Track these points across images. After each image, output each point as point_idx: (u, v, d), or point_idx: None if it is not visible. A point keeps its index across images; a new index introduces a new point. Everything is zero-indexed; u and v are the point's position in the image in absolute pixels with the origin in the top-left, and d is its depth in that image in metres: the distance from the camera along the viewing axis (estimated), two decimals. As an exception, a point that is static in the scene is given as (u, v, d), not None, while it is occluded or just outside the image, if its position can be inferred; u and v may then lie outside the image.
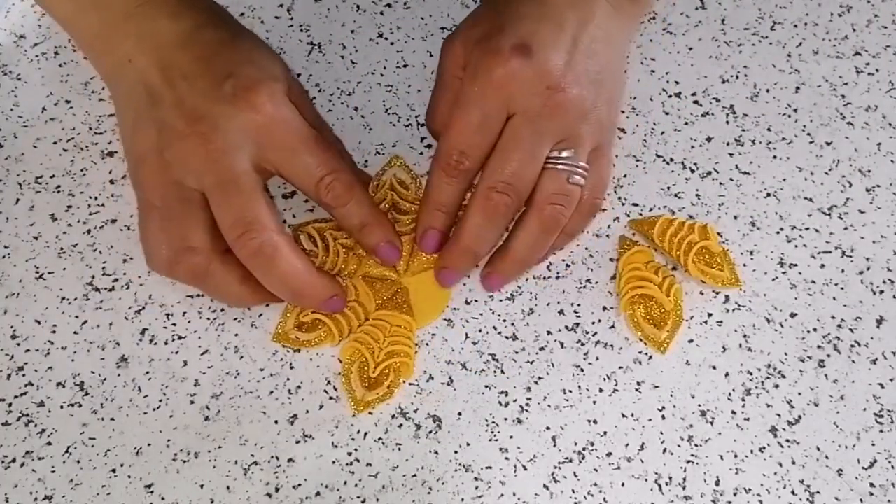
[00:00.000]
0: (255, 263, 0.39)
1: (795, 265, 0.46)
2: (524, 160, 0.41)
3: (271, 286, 0.40)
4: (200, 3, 0.42)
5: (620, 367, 0.43)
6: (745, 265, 0.46)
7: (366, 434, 0.41)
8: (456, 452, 0.41)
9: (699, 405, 0.42)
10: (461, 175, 0.41)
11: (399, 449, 0.41)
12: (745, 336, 0.44)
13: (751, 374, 0.43)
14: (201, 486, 0.40)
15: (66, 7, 0.41)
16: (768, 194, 0.48)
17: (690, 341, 0.44)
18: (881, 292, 0.45)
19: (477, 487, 0.40)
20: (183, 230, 0.39)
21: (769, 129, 0.50)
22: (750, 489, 0.40)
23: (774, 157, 0.49)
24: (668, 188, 0.48)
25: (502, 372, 0.43)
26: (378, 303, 0.44)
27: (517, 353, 0.43)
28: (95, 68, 0.44)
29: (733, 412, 0.42)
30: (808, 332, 0.44)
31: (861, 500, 0.40)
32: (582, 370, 0.43)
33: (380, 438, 0.41)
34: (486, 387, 0.42)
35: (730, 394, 0.42)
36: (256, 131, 0.39)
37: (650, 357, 0.43)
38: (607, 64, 0.42)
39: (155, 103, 0.39)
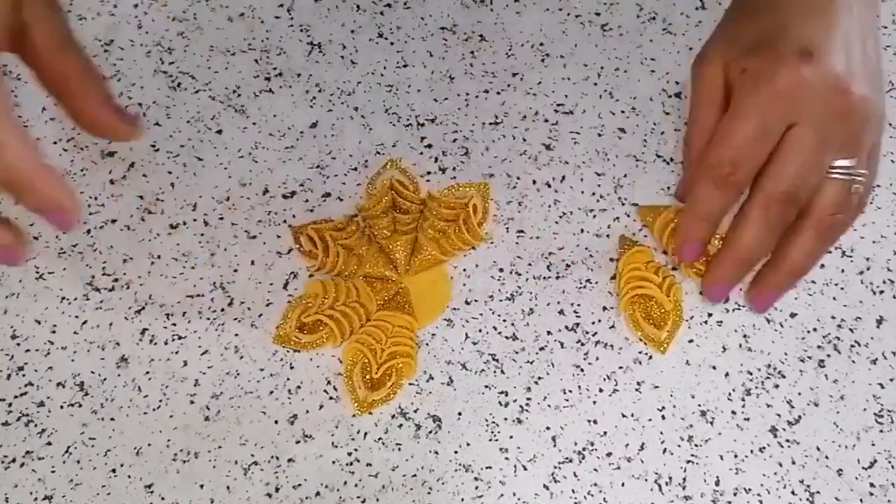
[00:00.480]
0: None
1: (795, 265, 0.46)
2: (809, 171, 0.38)
3: None
4: None
5: (620, 367, 0.43)
6: (745, 265, 0.46)
7: (366, 434, 0.41)
8: (456, 452, 0.41)
9: (699, 405, 0.42)
10: (732, 187, 0.39)
11: (399, 449, 0.41)
12: (745, 336, 0.44)
13: (751, 374, 0.43)
14: (201, 486, 0.40)
15: None
16: (768, 194, 0.48)
17: (690, 341, 0.44)
18: (881, 292, 0.45)
19: (477, 487, 0.40)
20: None
21: (769, 129, 0.50)
22: (750, 489, 0.40)
23: (774, 157, 0.49)
24: (669, 188, 0.48)
25: (502, 372, 0.43)
26: (379, 303, 0.44)
27: (517, 353, 0.43)
28: None
29: (733, 412, 0.42)
30: (808, 332, 0.44)
31: (861, 500, 0.40)
32: (582, 370, 0.43)
33: (380, 438, 0.41)
34: (486, 387, 0.42)
35: (730, 394, 0.43)
36: None
37: (650, 357, 0.43)
38: (876, 56, 0.40)
39: None
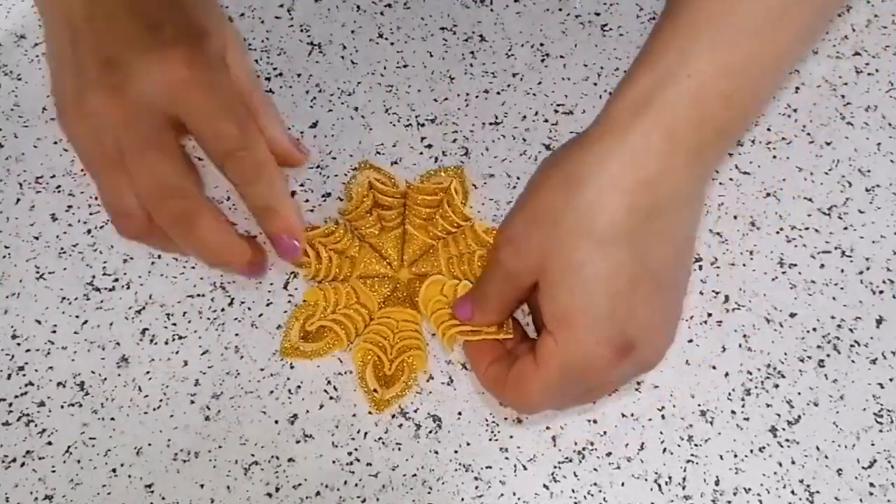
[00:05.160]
0: (176, 230, 0.36)
1: (795, 265, 0.46)
2: (605, 391, 0.38)
3: (192, 252, 0.37)
4: None
5: (620, 367, 0.43)
6: (744, 265, 0.46)
7: (366, 434, 0.41)
8: (456, 452, 0.41)
9: (699, 405, 0.42)
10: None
11: (399, 449, 0.41)
12: (744, 336, 0.44)
13: (750, 373, 0.43)
14: (201, 486, 0.40)
15: None
16: (768, 194, 0.48)
17: (690, 341, 0.44)
18: (881, 292, 0.45)
19: (477, 487, 0.40)
20: (114, 193, 0.36)
21: (769, 129, 0.50)
22: (750, 489, 0.40)
23: (774, 157, 0.49)
24: (668, 188, 0.48)
25: (502, 372, 0.43)
26: (380, 301, 0.44)
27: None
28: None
29: (733, 412, 0.42)
30: (808, 332, 0.44)
31: (861, 500, 0.40)
32: (582, 370, 0.43)
33: (380, 438, 0.41)
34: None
35: (730, 394, 0.43)
36: (171, 88, 0.35)
37: (650, 357, 0.43)
38: (686, 272, 0.37)
39: (74, 42, 0.36)
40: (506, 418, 0.42)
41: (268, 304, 0.44)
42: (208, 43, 0.36)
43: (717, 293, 0.45)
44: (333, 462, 0.41)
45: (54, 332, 0.44)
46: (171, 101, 0.35)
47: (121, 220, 0.37)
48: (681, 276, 0.36)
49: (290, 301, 0.44)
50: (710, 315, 0.45)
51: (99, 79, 0.35)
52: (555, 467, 0.41)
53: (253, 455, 0.41)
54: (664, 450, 0.41)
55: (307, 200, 0.47)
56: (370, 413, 0.42)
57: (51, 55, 0.38)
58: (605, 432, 0.41)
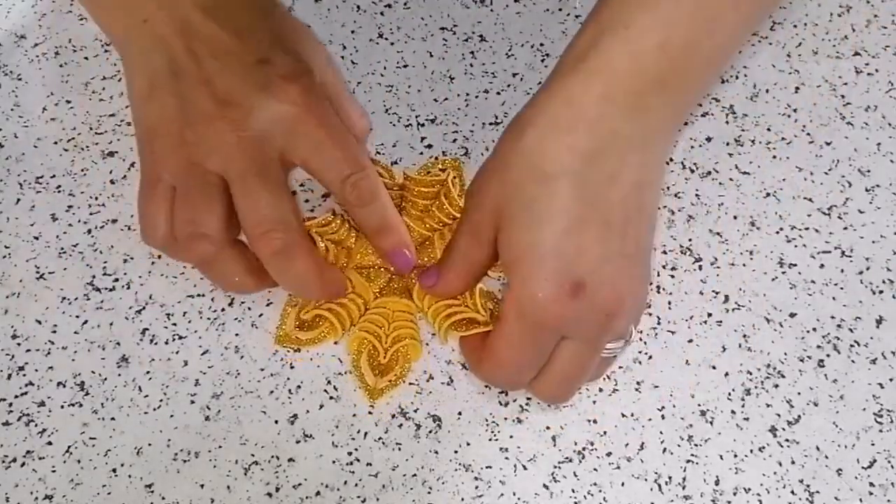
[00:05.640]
0: (274, 262, 0.39)
1: (795, 265, 0.46)
2: (577, 376, 0.38)
3: (283, 284, 0.40)
4: None
5: (620, 367, 0.43)
6: (744, 265, 0.46)
7: (366, 434, 0.41)
8: (456, 452, 0.41)
9: (699, 405, 0.42)
10: (515, 388, 0.40)
11: (399, 448, 0.41)
12: (744, 336, 0.44)
13: (750, 373, 0.43)
14: (202, 486, 0.40)
15: None
16: (768, 194, 0.48)
17: (690, 341, 0.44)
18: (881, 292, 0.45)
19: (477, 487, 0.40)
20: (197, 214, 0.38)
21: (769, 130, 0.50)
22: (750, 489, 0.40)
23: (774, 157, 0.49)
24: (668, 188, 0.48)
25: (502, 372, 0.43)
26: (375, 291, 0.44)
27: None
28: (102, 27, 0.41)
29: (733, 412, 0.42)
30: (808, 332, 0.44)
31: (861, 500, 0.40)
32: (582, 370, 0.43)
33: (380, 438, 0.41)
34: (487, 387, 0.43)
35: (729, 394, 0.43)
36: (289, 123, 0.38)
37: (650, 357, 0.43)
38: (650, 245, 0.38)
39: (176, 75, 0.38)
40: (506, 418, 0.42)
41: (268, 304, 0.44)
42: (313, 75, 0.39)
43: (717, 293, 0.45)
44: (333, 462, 0.41)
45: (54, 332, 0.44)
46: (286, 134, 0.38)
47: (192, 240, 0.38)
48: (636, 224, 0.36)
49: (289, 295, 0.44)
50: (710, 315, 0.45)
51: (216, 112, 0.37)
52: (555, 467, 0.41)
53: (253, 455, 0.41)
54: (664, 450, 0.41)
55: (307, 200, 0.47)
56: (370, 413, 0.42)
57: (136, 83, 0.39)
58: (605, 432, 0.41)
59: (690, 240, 0.46)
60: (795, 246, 0.46)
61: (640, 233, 0.37)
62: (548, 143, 0.35)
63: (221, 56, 0.38)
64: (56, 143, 0.49)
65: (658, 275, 0.45)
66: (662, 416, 0.42)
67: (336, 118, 0.40)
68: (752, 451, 0.41)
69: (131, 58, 0.40)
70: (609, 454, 0.41)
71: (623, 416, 0.42)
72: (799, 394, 0.43)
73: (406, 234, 0.42)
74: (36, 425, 0.41)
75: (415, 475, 0.40)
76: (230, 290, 0.43)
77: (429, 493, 0.40)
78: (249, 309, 0.44)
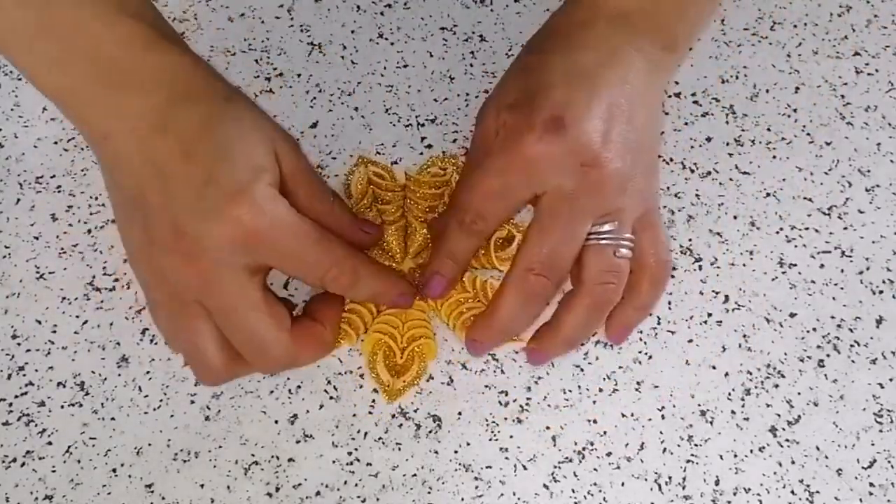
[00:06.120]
0: (279, 370, 0.41)
1: (795, 265, 0.46)
2: (562, 240, 0.38)
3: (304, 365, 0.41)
4: (173, 62, 0.36)
5: (620, 367, 0.43)
6: (744, 265, 0.46)
7: (366, 434, 0.41)
8: (456, 452, 0.41)
9: (699, 405, 0.42)
10: (475, 234, 0.40)
11: (399, 449, 0.41)
12: (744, 336, 0.44)
13: (750, 373, 0.43)
14: (202, 486, 0.40)
15: (27, 61, 0.35)
16: (768, 194, 0.48)
17: (690, 341, 0.44)
18: (881, 292, 0.45)
19: (477, 487, 0.40)
20: (193, 340, 0.37)
21: (769, 130, 0.50)
22: (750, 489, 0.40)
23: (774, 157, 0.49)
24: (668, 188, 0.48)
25: (502, 372, 0.43)
26: None
27: (517, 352, 0.43)
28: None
29: (733, 412, 0.42)
30: (808, 332, 0.44)
31: (861, 500, 0.40)
32: (582, 370, 0.43)
33: (380, 438, 0.41)
34: (486, 387, 0.43)
35: (729, 393, 0.43)
36: (245, 241, 0.35)
37: (650, 357, 0.43)
38: (644, 127, 0.39)
39: (138, 200, 0.36)
40: (506, 418, 0.42)
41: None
42: (261, 182, 0.35)
43: (717, 293, 0.45)
44: (333, 462, 0.41)
45: (54, 332, 0.44)
46: (245, 255, 0.36)
47: (199, 367, 0.38)
48: (643, 119, 0.39)
49: (291, 299, 0.44)
50: (710, 315, 0.45)
51: (169, 244, 0.35)
52: (555, 467, 0.41)
53: (253, 455, 0.41)
54: (664, 450, 0.41)
55: (307, 200, 0.47)
56: (370, 413, 0.42)
57: (111, 194, 0.38)
58: (605, 432, 0.41)
59: (690, 240, 0.46)
60: (795, 246, 0.46)
61: (646, 125, 0.39)
62: (541, 35, 0.41)
63: (171, 180, 0.35)
64: (56, 143, 0.49)
65: (658, 275, 0.45)
66: (662, 416, 0.42)
67: (295, 217, 0.36)
68: (752, 451, 0.41)
69: (101, 165, 0.38)
70: (609, 454, 0.41)
71: (623, 416, 0.42)
72: (799, 394, 0.43)
73: (396, 281, 0.41)
74: (36, 425, 0.41)
75: (415, 475, 0.40)
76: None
77: (429, 493, 0.40)
78: (249, 309, 0.44)
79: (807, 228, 0.47)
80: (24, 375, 0.43)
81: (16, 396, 0.42)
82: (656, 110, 0.42)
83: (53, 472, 0.40)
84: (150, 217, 0.36)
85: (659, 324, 0.44)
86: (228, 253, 0.35)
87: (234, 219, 0.35)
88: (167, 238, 0.35)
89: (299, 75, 0.51)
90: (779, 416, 0.42)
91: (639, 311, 0.42)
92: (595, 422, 0.42)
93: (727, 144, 0.50)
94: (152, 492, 0.40)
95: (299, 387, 0.42)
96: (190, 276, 0.35)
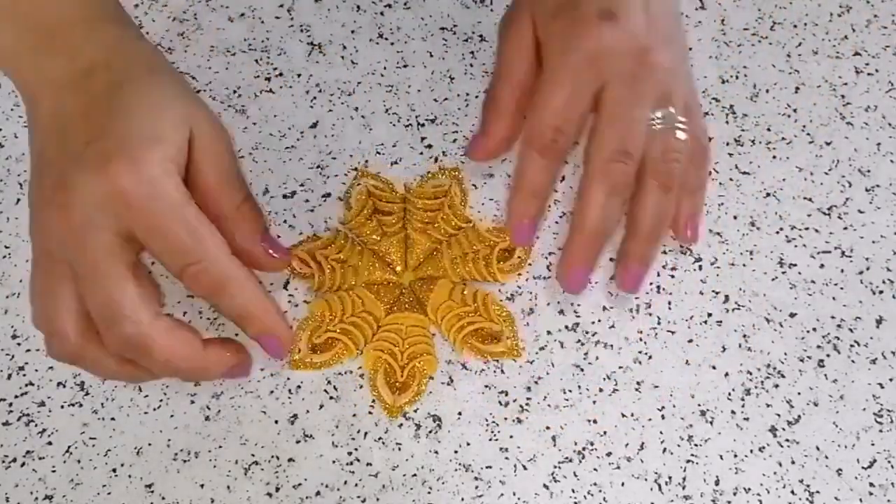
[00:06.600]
0: (131, 354, 0.35)
1: (795, 265, 0.46)
2: (633, 125, 0.39)
3: (156, 372, 0.36)
4: (108, 36, 0.37)
5: (620, 367, 0.43)
6: (744, 265, 0.46)
7: (366, 434, 0.41)
8: (456, 452, 0.41)
9: (699, 405, 0.42)
10: (557, 154, 0.40)
11: (399, 449, 0.41)
12: (744, 336, 0.44)
13: (750, 373, 0.43)
14: (202, 486, 0.40)
15: None
16: (768, 194, 0.48)
17: (690, 341, 0.44)
18: (881, 292, 0.45)
19: (477, 487, 0.40)
20: (50, 310, 0.35)
21: (769, 130, 0.50)
22: (750, 489, 0.40)
23: (774, 157, 0.49)
24: (668, 188, 0.48)
25: (502, 372, 0.43)
26: (386, 308, 0.44)
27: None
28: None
29: (733, 412, 0.42)
30: (808, 332, 0.44)
31: (861, 500, 0.40)
32: (582, 370, 0.43)
33: (380, 438, 0.41)
34: (486, 387, 0.43)
35: (729, 394, 0.43)
36: (115, 204, 0.33)
37: (650, 357, 0.43)
38: (676, 17, 0.42)
39: (41, 157, 0.35)
40: (506, 418, 0.42)
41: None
42: (154, 151, 0.34)
43: (717, 293, 0.45)
44: (333, 462, 0.41)
45: (54, 332, 0.44)
46: (116, 217, 0.33)
47: (52, 338, 0.35)
48: (675, 25, 0.42)
49: (290, 300, 0.44)
50: (710, 315, 0.45)
51: (49, 196, 0.34)
52: (555, 467, 0.41)
53: (253, 455, 0.41)
54: (664, 450, 0.41)
55: (307, 200, 0.47)
56: (370, 413, 0.42)
57: (31, 155, 0.37)
58: (605, 432, 0.41)
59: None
60: (795, 246, 0.46)
61: (670, 12, 0.41)
62: None
63: (68, 133, 0.35)
64: (56, 143, 0.49)
65: (658, 275, 0.45)
66: (662, 416, 0.42)
67: (178, 196, 0.34)
68: (752, 451, 0.41)
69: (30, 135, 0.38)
70: (609, 454, 0.41)
71: (623, 416, 0.42)
72: (799, 394, 0.43)
73: (272, 317, 0.37)
74: (36, 425, 0.41)
75: (415, 475, 0.40)
76: (118, 381, 0.40)
77: (429, 493, 0.40)
78: (249, 309, 0.44)
79: (807, 228, 0.47)
80: (24, 375, 0.43)
81: (16, 396, 0.42)
82: (679, 2, 0.44)
83: (53, 472, 0.40)
84: (43, 172, 0.35)
85: (659, 324, 0.44)
86: (99, 210, 0.33)
87: (111, 176, 0.33)
88: (49, 190, 0.34)
89: (299, 75, 0.51)
90: (779, 416, 0.42)
91: (694, 195, 0.42)
92: (595, 422, 0.42)
93: (727, 144, 0.50)
94: (152, 492, 0.40)
95: (299, 387, 0.42)
96: (62, 230, 0.34)
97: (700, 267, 0.46)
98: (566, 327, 0.44)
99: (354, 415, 0.42)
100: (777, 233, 0.47)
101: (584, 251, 0.40)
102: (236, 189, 0.38)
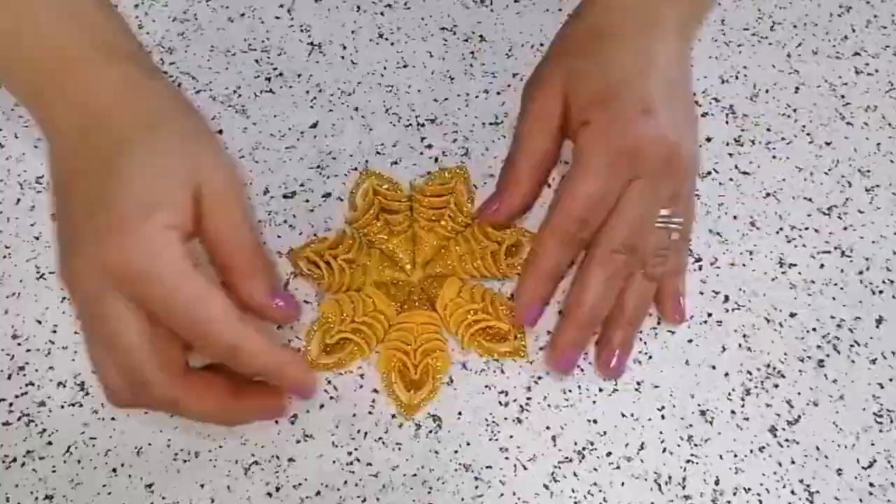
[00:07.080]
0: (165, 411, 0.36)
1: (795, 265, 0.46)
2: (644, 223, 0.40)
3: (194, 420, 0.37)
4: (114, 81, 0.36)
5: (620, 367, 0.43)
6: (744, 265, 0.46)
7: (366, 434, 0.41)
8: (456, 452, 0.41)
9: (699, 405, 0.42)
10: (578, 244, 0.41)
11: (399, 449, 0.41)
12: (744, 336, 0.44)
13: (750, 373, 0.43)
14: (202, 486, 0.40)
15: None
16: (768, 194, 0.48)
17: (690, 341, 0.44)
18: (881, 292, 0.45)
19: (477, 487, 0.40)
20: (98, 368, 0.35)
21: (769, 130, 0.50)
22: (749, 489, 0.40)
23: (774, 157, 0.49)
24: (668, 188, 0.48)
25: (502, 372, 0.43)
26: (396, 306, 0.44)
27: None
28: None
29: (733, 412, 0.42)
30: (808, 331, 0.44)
31: (861, 500, 0.40)
32: (582, 370, 0.43)
33: (380, 438, 0.41)
34: (486, 387, 0.43)
35: (729, 393, 0.43)
36: (117, 279, 0.33)
37: (650, 357, 0.43)
38: (692, 104, 0.43)
39: (53, 199, 0.36)
40: (506, 418, 0.42)
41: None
42: (154, 220, 0.33)
43: (717, 293, 0.45)
44: (333, 462, 0.41)
45: (54, 332, 0.44)
46: (120, 289, 0.33)
47: (107, 393, 0.36)
48: (684, 84, 0.42)
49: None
50: (710, 315, 0.45)
51: (59, 269, 0.34)
52: (555, 467, 0.41)
53: (253, 455, 0.41)
54: (664, 450, 0.41)
55: (307, 201, 0.47)
56: (370, 413, 0.42)
57: (50, 169, 0.37)
58: (605, 432, 0.41)
59: (690, 240, 0.46)
60: (795, 246, 0.46)
61: (687, 92, 0.43)
62: (603, 19, 0.42)
63: (72, 194, 0.34)
64: (56, 143, 0.49)
65: (658, 275, 0.45)
66: (662, 416, 0.42)
67: (180, 267, 0.33)
68: (752, 451, 0.41)
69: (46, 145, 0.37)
70: (609, 454, 0.41)
71: (623, 416, 0.42)
72: (799, 394, 0.43)
73: (291, 369, 0.36)
74: (36, 425, 0.41)
75: (415, 475, 0.40)
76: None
77: (429, 493, 0.40)
78: (249, 309, 0.44)
79: (807, 228, 0.47)
80: (24, 375, 0.43)
81: (16, 396, 0.42)
82: (690, 78, 0.44)
83: (53, 472, 0.40)
84: (58, 225, 0.35)
85: (659, 324, 0.44)
86: (104, 285, 0.33)
87: (111, 253, 0.33)
88: (59, 263, 0.35)
89: (299, 75, 0.51)
90: (779, 416, 0.42)
91: (676, 277, 0.44)
92: (595, 422, 0.42)
93: (727, 144, 0.50)
94: (152, 492, 0.40)
95: (299, 387, 0.42)
96: (79, 301, 0.34)
97: (700, 267, 0.46)
98: (566, 327, 0.44)
99: (354, 415, 0.42)
100: (777, 233, 0.47)
101: (577, 334, 0.41)
102: (247, 243, 0.37)
